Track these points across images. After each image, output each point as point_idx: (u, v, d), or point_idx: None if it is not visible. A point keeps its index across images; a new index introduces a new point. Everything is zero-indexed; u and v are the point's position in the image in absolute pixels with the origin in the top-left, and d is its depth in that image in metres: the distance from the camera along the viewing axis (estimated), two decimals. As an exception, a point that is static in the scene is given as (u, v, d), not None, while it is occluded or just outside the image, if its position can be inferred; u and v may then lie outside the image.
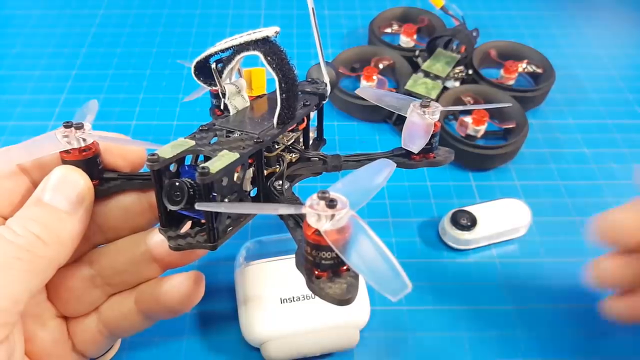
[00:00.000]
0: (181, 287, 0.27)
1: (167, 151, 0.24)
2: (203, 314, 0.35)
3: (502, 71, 0.52)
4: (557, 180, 0.45)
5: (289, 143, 0.29)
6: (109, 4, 0.65)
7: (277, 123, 0.27)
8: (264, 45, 0.26)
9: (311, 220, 0.19)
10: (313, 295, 0.32)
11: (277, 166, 0.28)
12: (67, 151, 0.25)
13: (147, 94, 0.52)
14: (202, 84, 0.29)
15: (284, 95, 0.26)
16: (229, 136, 0.26)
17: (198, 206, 0.21)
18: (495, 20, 0.63)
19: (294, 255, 0.33)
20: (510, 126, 0.46)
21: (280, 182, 0.28)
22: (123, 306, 0.28)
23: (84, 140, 0.25)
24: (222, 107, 0.30)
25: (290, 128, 0.28)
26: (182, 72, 0.54)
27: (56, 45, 0.58)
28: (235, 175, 0.25)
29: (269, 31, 0.25)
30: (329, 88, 0.30)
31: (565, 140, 0.49)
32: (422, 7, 0.60)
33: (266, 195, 0.27)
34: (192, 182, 0.24)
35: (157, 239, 0.27)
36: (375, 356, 0.33)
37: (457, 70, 0.50)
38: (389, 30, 0.58)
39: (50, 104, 0.50)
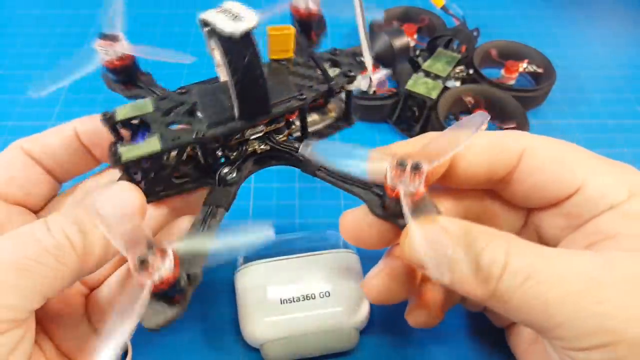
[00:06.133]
0: None
1: (122, 112, 0.25)
2: (203, 315, 0.35)
3: (502, 71, 0.52)
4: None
5: (252, 137, 0.27)
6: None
7: (239, 117, 0.25)
8: (226, 43, 0.22)
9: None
10: (313, 296, 0.32)
11: (235, 152, 0.27)
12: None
13: (147, 94, 0.52)
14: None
15: (240, 98, 0.24)
16: (188, 113, 0.26)
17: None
18: (496, 20, 0.63)
19: (294, 256, 0.33)
20: (511, 126, 0.46)
21: (227, 170, 0.27)
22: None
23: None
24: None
25: (263, 121, 0.26)
26: (182, 71, 0.54)
27: (56, 45, 0.58)
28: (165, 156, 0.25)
29: (239, 27, 0.22)
30: (369, 71, 0.27)
31: (566, 140, 0.48)
32: (423, 6, 0.59)
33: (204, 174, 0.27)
34: None
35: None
36: (374, 356, 0.33)
37: (457, 70, 0.50)
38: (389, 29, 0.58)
39: (50, 103, 0.50)
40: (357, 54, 0.29)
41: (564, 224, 0.26)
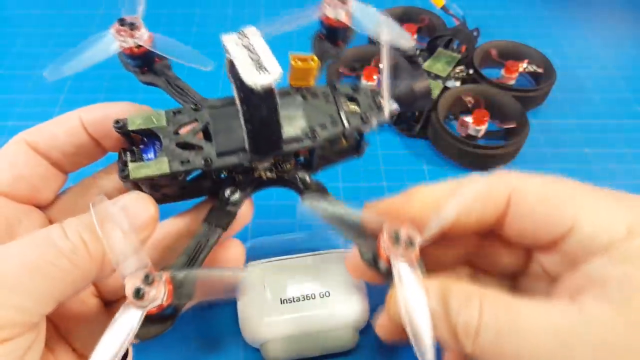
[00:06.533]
0: None
1: (135, 123, 0.25)
2: (203, 314, 0.35)
3: (502, 71, 0.52)
4: (558, 180, 0.44)
5: (259, 167, 0.27)
6: (109, 4, 0.64)
7: (250, 151, 0.25)
8: (246, 91, 0.21)
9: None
10: (313, 296, 0.32)
11: (241, 176, 0.27)
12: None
13: (147, 95, 0.52)
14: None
15: (252, 140, 0.24)
16: (203, 130, 0.26)
17: None
18: (496, 20, 0.63)
19: (294, 256, 0.33)
20: (511, 126, 0.46)
21: (229, 191, 0.27)
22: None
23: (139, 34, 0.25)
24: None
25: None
26: (183, 72, 0.54)
27: (56, 45, 0.58)
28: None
29: (262, 81, 0.20)
30: (385, 113, 0.26)
31: (566, 140, 0.49)
32: (423, 6, 0.59)
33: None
34: None
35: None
36: (374, 356, 0.33)
37: (457, 70, 0.50)
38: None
39: (50, 103, 0.50)
40: (376, 92, 0.28)
41: (562, 263, 0.25)
